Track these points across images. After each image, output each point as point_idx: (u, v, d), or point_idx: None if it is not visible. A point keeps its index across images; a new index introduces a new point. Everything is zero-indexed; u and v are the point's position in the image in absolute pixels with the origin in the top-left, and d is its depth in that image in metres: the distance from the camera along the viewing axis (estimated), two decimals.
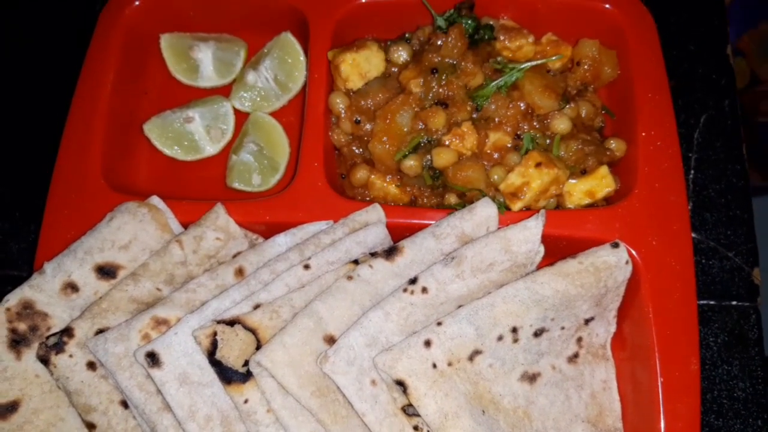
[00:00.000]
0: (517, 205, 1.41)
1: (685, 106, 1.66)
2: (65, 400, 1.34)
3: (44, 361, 1.31)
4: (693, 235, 1.57)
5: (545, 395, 1.37)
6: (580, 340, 1.42)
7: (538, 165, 1.39)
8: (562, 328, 1.39)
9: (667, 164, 1.46)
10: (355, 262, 1.37)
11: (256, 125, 1.60)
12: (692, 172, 1.64)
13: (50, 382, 1.34)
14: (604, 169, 1.45)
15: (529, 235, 1.34)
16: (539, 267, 1.39)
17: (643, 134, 1.48)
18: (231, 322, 1.27)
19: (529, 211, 1.43)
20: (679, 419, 1.31)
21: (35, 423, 1.31)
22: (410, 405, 1.26)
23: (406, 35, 1.60)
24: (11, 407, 1.30)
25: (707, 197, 1.62)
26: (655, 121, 1.48)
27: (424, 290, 1.32)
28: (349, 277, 1.34)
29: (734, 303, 1.54)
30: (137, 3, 1.63)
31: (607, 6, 1.56)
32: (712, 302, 1.55)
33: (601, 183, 1.46)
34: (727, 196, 1.61)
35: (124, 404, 1.31)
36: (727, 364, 1.50)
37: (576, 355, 1.42)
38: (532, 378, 1.37)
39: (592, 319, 1.41)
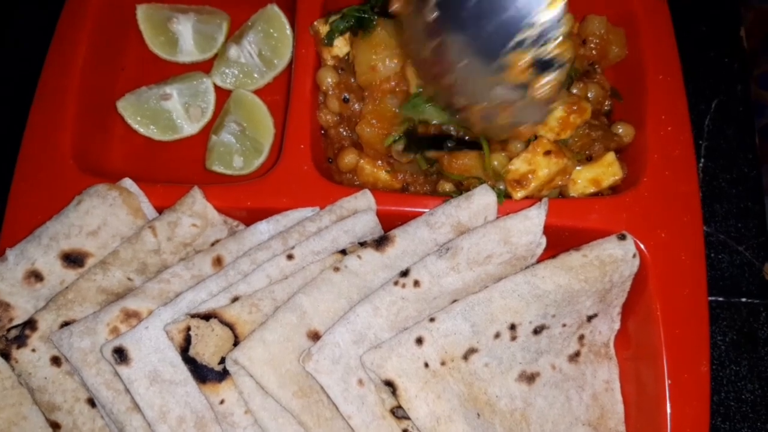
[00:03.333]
0: (519, 194, 1.31)
1: (695, 91, 1.56)
2: (28, 398, 1.24)
3: (5, 355, 1.21)
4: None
5: (544, 396, 1.29)
6: (582, 338, 1.33)
7: (547, 153, 1.29)
8: (564, 325, 1.30)
9: (679, 151, 1.36)
10: (343, 252, 1.28)
11: (239, 103, 1.50)
12: (702, 160, 1.54)
13: (12, 377, 1.24)
14: (610, 156, 1.36)
15: (530, 225, 1.24)
16: (540, 260, 1.30)
17: (653, 119, 1.38)
18: (206, 316, 1.18)
19: (530, 199, 1.33)
20: (687, 424, 1.22)
21: None
22: (400, 407, 1.17)
23: None
24: None
25: (717, 187, 1.53)
26: (666, 105, 1.39)
27: (417, 284, 1.23)
28: (336, 269, 1.24)
29: (744, 300, 1.46)
30: None
31: None
32: (720, 299, 1.46)
33: (608, 171, 1.36)
34: (739, 186, 1.52)
35: (91, 402, 1.22)
36: (735, 364, 1.42)
37: (577, 354, 1.33)
38: (530, 378, 1.28)
39: (595, 315, 1.33)
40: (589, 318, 1.32)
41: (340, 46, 1.40)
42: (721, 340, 1.44)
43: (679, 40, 1.46)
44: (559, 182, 1.34)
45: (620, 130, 1.38)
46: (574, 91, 1.38)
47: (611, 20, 1.48)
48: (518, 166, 1.30)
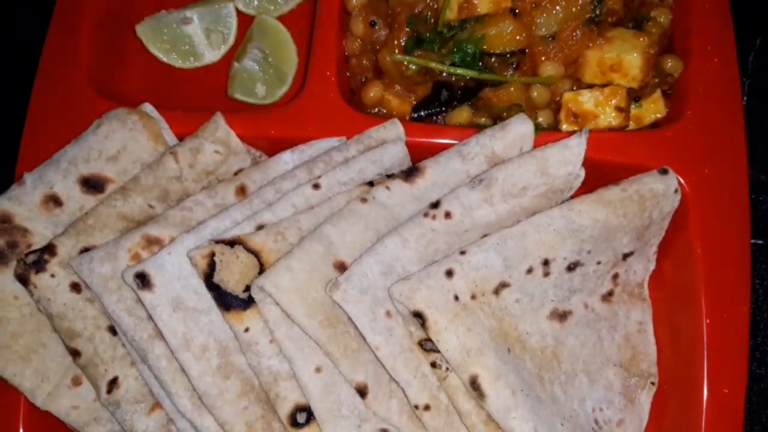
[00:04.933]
0: (569, 128, 1.25)
1: (739, 26, 1.47)
2: (47, 325, 1.22)
3: (23, 280, 1.18)
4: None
5: (575, 335, 1.25)
6: (616, 276, 1.29)
7: (618, 108, 1.22)
8: (598, 262, 1.25)
9: (724, 85, 1.29)
10: (370, 183, 1.23)
11: (262, 30, 1.43)
12: (745, 98, 1.47)
13: (30, 304, 1.22)
14: (657, 93, 1.29)
15: (569, 155, 1.19)
16: (576, 195, 1.25)
17: (699, 51, 1.30)
18: (231, 243, 1.14)
19: (566, 132, 1.27)
20: (725, 366, 1.18)
21: (14, 348, 1.20)
22: (428, 339, 1.13)
23: None
24: None
25: (761, 127, 1.46)
26: (713, 37, 1.31)
27: (448, 215, 1.18)
28: (363, 200, 1.19)
29: None
30: None
31: None
32: (759, 241, 1.41)
33: (650, 108, 1.30)
34: None
35: (112, 330, 1.19)
36: None
37: (611, 294, 1.29)
38: (562, 316, 1.24)
39: (631, 254, 1.28)
40: (625, 256, 1.28)
41: None
42: (759, 284, 1.40)
43: None
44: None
45: (669, 65, 1.30)
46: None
47: None
48: (585, 100, 1.23)
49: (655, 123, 1.33)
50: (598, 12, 1.24)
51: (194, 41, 1.42)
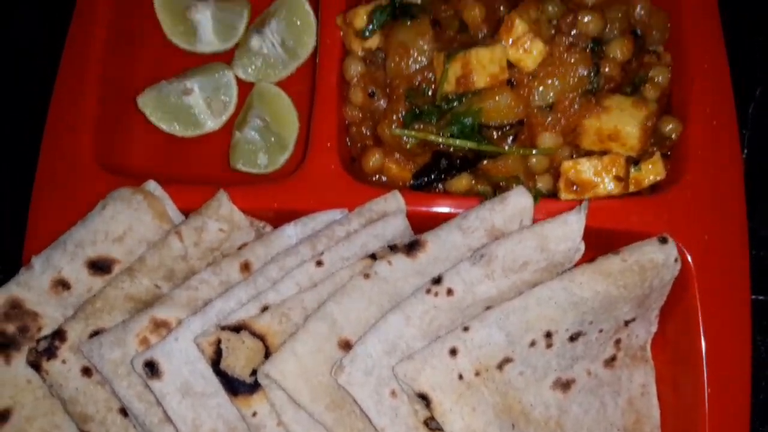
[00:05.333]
0: (568, 197, 1.25)
1: (739, 77, 1.46)
2: (60, 407, 1.24)
3: (35, 367, 1.21)
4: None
5: (579, 403, 1.26)
6: (618, 342, 1.30)
7: (618, 178, 1.22)
8: (600, 330, 1.26)
9: (724, 147, 1.29)
10: (373, 256, 1.24)
11: (262, 97, 1.44)
12: (745, 151, 1.47)
13: (43, 387, 1.24)
14: (657, 156, 1.29)
15: (568, 231, 1.19)
16: (578, 260, 1.26)
17: (698, 113, 1.31)
18: (237, 328, 1.16)
19: (565, 200, 1.28)
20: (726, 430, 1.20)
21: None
22: (433, 418, 1.15)
23: None
24: (2, 416, 1.21)
25: (761, 181, 1.46)
26: (711, 98, 1.31)
27: (450, 292, 1.19)
28: (366, 275, 1.21)
29: None
30: None
31: None
32: (761, 297, 1.42)
33: (649, 170, 1.30)
34: None
35: (124, 412, 1.22)
36: None
37: (613, 358, 1.30)
38: (565, 385, 1.26)
39: (633, 320, 1.29)
40: (627, 322, 1.29)
41: (372, 37, 1.33)
42: (761, 341, 1.40)
43: (724, 18, 1.37)
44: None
45: (668, 128, 1.30)
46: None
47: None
48: (584, 169, 1.24)
49: (654, 185, 1.34)
50: (595, 83, 1.24)
51: (195, 110, 1.43)
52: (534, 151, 1.26)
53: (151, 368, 1.14)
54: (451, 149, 1.29)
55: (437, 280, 1.20)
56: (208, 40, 1.47)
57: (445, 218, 1.28)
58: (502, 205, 1.24)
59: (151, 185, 1.31)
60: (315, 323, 1.17)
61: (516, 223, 1.25)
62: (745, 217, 1.27)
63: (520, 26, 1.20)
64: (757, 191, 1.45)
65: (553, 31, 1.24)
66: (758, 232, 1.44)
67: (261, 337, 1.16)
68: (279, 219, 1.33)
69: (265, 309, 1.19)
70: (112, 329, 1.21)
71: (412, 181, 1.35)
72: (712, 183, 1.28)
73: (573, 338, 1.24)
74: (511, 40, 1.23)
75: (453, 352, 1.16)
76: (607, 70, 1.27)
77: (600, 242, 1.30)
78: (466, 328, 1.18)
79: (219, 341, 1.14)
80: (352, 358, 1.14)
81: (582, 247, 1.23)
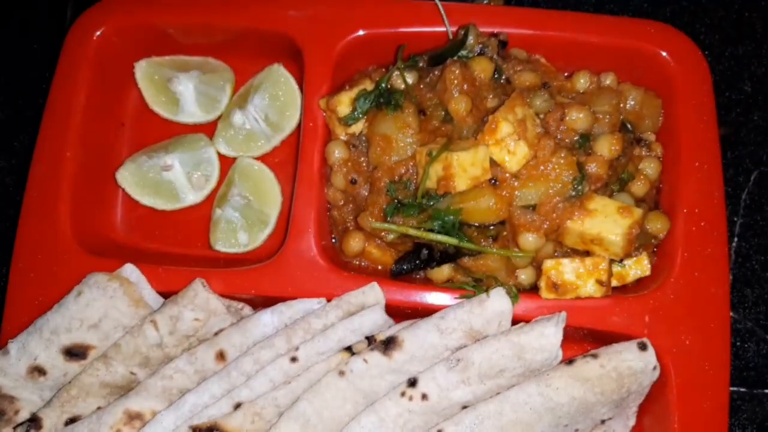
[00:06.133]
0: (549, 296, 1.23)
1: (734, 159, 1.43)
2: None
3: None
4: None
5: None
6: None
7: (599, 281, 1.20)
8: (576, 430, 1.26)
9: (711, 249, 1.27)
10: (349, 348, 1.23)
11: (244, 174, 1.42)
12: (735, 239, 1.44)
13: None
14: (643, 255, 1.27)
15: (546, 344, 1.18)
16: None
17: (686, 212, 1.28)
18: (209, 429, 1.16)
19: (545, 300, 1.26)
20: None
21: None
22: None
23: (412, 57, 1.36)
24: None
25: (750, 270, 1.43)
26: (701, 198, 1.28)
27: (425, 397, 1.19)
28: (341, 373, 1.20)
29: (767, 391, 1.39)
30: (105, 27, 1.40)
31: (663, 53, 1.31)
32: (742, 389, 1.40)
33: (634, 267, 1.28)
34: None
35: None
36: None
37: None
38: None
39: (610, 418, 1.28)
40: (603, 421, 1.28)
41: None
42: None
43: (719, 100, 1.33)
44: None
45: (657, 226, 1.27)
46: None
47: (645, 83, 1.36)
48: (566, 271, 1.22)
49: (639, 279, 1.31)
50: (580, 190, 1.21)
51: (176, 185, 1.41)
52: (514, 253, 1.24)
53: None
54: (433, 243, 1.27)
55: (413, 383, 1.20)
56: (191, 112, 1.44)
57: (425, 310, 1.27)
58: (481, 308, 1.22)
59: (128, 269, 1.30)
60: (287, 423, 1.18)
61: (495, 325, 1.23)
62: (729, 317, 1.25)
63: (504, 128, 1.17)
64: (743, 282, 1.43)
65: (539, 129, 1.21)
66: (743, 324, 1.42)
67: None
68: (257, 301, 1.32)
69: (238, 406, 1.19)
70: (86, 420, 1.21)
71: (393, 267, 1.33)
72: (696, 285, 1.26)
73: None
74: (494, 140, 1.20)
75: None
76: (594, 168, 1.24)
77: (579, 338, 1.29)
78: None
79: None
80: None
81: (560, 355, 1.21)
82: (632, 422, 1.32)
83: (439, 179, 1.20)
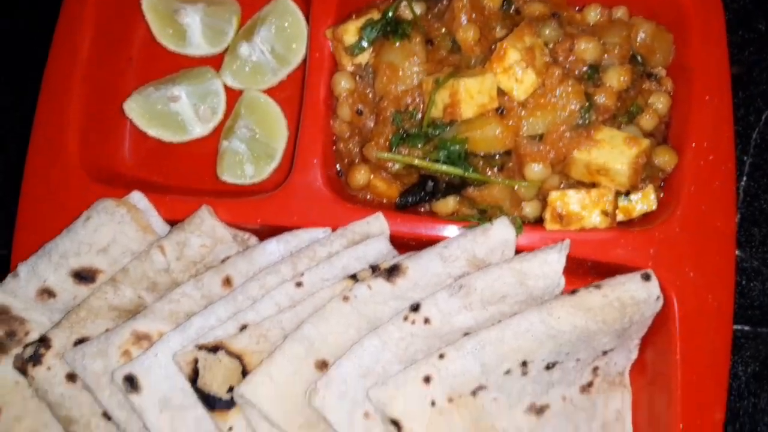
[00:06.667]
0: (553, 227, 1.24)
1: (745, 99, 1.41)
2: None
3: (22, 372, 1.24)
4: (736, 252, 1.39)
5: (552, 427, 1.28)
6: (596, 369, 1.31)
7: (604, 212, 1.20)
8: (578, 359, 1.27)
9: (718, 183, 1.26)
10: (353, 277, 1.25)
11: (250, 107, 1.42)
12: (744, 179, 1.43)
13: (31, 388, 1.28)
14: (649, 188, 1.26)
15: (548, 270, 1.18)
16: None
17: (695, 146, 1.27)
18: (214, 348, 1.18)
19: (550, 231, 1.26)
20: None
21: (17, 430, 1.27)
22: None
23: None
24: None
25: (757, 210, 1.42)
26: (711, 132, 1.27)
27: (427, 321, 1.20)
28: (345, 298, 1.22)
29: None
30: None
31: None
32: (746, 328, 1.41)
33: (640, 201, 1.27)
34: None
35: (107, 416, 1.25)
36: (754, 396, 1.39)
37: (590, 384, 1.31)
38: (539, 410, 1.27)
39: (612, 349, 1.29)
40: (605, 352, 1.29)
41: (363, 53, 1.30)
42: (743, 371, 1.40)
43: (732, 39, 1.31)
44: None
45: (664, 159, 1.26)
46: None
47: (657, 18, 1.33)
48: (572, 202, 1.22)
49: (645, 215, 1.31)
50: (587, 119, 1.20)
51: (183, 117, 1.42)
52: (520, 182, 1.24)
53: (131, 382, 1.17)
54: (438, 174, 1.27)
55: (415, 308, 1.21)
56: (198, 44, 1.44)
57: (429, 241, 1.28)
58: (485, 236, 1.23)
59: (136, 197, 1.32)
60: (292, 344, 1.19)
61: (498, 254, 1.24)
62: (734, 253, 1.25)
63: (512, 55, 1.16)
64: (751, 221, 1.42)
65: (547, 59, 1.20)
66: (750, 263, 1.42)
67: (238, 357, 1.18)
68: (263, 231, 1.34)
69: (243, 328, 1.21)
70: (95, 340, 1.23)
71: (398, 200, 1.34)
72: (703, 219, 1.26)
73: (549, 367, 1.24)
74: (502, 68, 1.19)
75: (427, 379, 1.17)
76: (602, 99, 1.23)
77: (584, 271, 1.29)
78: (441, 356, 1.19)
79: (196, 360, 1.17)
80: (327, 382, 1.16)
81: (562, 283, 1.22)
82: (634, 355, 1.33)
83: (445, 107, 1.19)
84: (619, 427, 1.33)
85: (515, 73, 1.17)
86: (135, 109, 1.40)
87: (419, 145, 1.24)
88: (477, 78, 1.16)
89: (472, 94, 1.17)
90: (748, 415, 1.39)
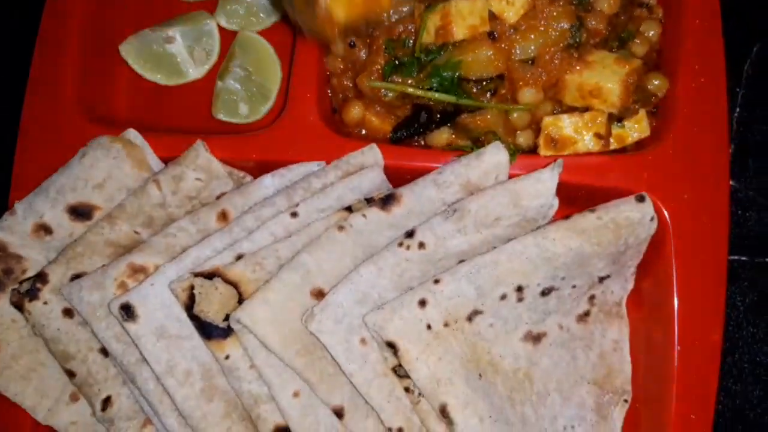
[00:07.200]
0: (547, 153, 1.24)
1: (735, 31, 1.41)
2: (44, 345, 1.28)
3: (18, 307, 1.25)
4: (731, 182, 1.39)
5: (549, 356, 1.28)
6: (592, 298, 1.31)
7: (597, 135, 1.20)
8: (574, 286, 1.27)
9: (710, 106, 1.26)
10: (348, 209, 1.25)
11: (244, 47, 1.43)
12: (737, 110, 1.43)
13: (28, 326, 1.28)
14: (642, 113, 1.27)
15: (541, 188, 1.19)
16: (555, 217, 1.25)
17: (686, 69, 1.27)
18: (210, 275, 1.18)
19: (544, 157, 1.26)
20: (694, 390, 1.21)
21: (15, 368, 1.28)
22: (401, 366, 1.17)
23: None
24: None
25: (752, 140, 1.43)
26: (701, 54, 1.27)
27: (421, 245, 1.20)
28: (341, 227, 1.22)
29: None
30: None
31: None
32: (743, 258, 1.40)
33: (633, 128, 1.28)
34: None
35: (104, 352, 1.26)
36: (752, 326, 1.38)
37: (587, 314, 1.31)
38: (536, 338, 1.27)
39: (607, 276, 1.29)
40: (601, 279, 1.29)
41: None
42: (741, 301, 1.40)
43: None
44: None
45: (655, 83, 1.27)
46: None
47: None
48: (565, 125, 1.22)
49: (639, 142, 1.31)
50: (577, 38, 1.21)
51: (178, 59, 1.43)
52: (513, 107, 1.24)
53: (127, 311, 1.17)
54: (431, 102, 1.28)
55: (410, 234, 1.21)
56: None
57: (423, 172, 1.28)
58: (478, 160, 1.23)
59: (131, 134, 1.33)
60: (288, 273, 1.19)
61: (491, 178, 1.24)
62: (728, 178, 1.25)
63: None
64: (746, 152, 1.43)
65: None
66: (745, 193, 1.42)
67: (234, 284, 1.18)
68: (258, 169, 1.34)
69: (239, 257, 1.21)
70: (92, 273, 1.24)
71: (392, 134, 1.34)
72: (695, 142, 1.26)
73: (545, 293, 1.24)
74: None
75: (422, 303, 1.17)
76: (593, 23, 1.24)
77: (578, 198, 1.29)
78: (436, 281, 1.19)
79: (192, 287, 1.17)
80: (323, 307, 1.16)
81: (555, 203, 1.22)
82: (630, 284, 1.33)
83: (437, 29, 1.20)
84: (617, 356, 1.32)
85: None
86: (131, 51, 1.42)
87: (413, 73, 1.24)
88: (468, 0, 1.17)
89: (463, 14, 1.17)
90: (747, 345, 1.39)
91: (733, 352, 1.38)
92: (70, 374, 1.25)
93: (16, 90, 1.38)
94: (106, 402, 1.25)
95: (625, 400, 1.31)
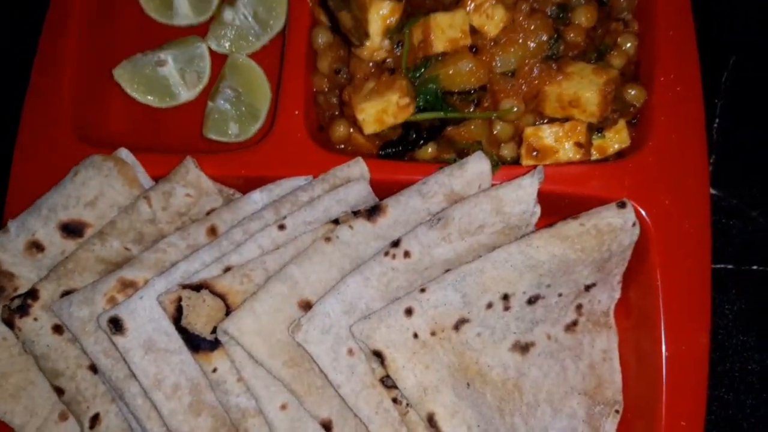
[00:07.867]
0: (529, 162, 1.26)
1: (713, 43, 1.44)
2: (35, 363, 1.29)
3: (9, 324, 1.26)
4: (713, 191, 1.42)
5: (538, 366, 1.27)
6: (579, 307, 1.31)
7: (578, 144, 1.23)
8: (560, 294, 1.27)
9: (687, 113, 1.29)
10: (335, 221, 1.27)
11: (234, 69, 1.47)
12: (717, 120, 1.46)
13: (18, 344, 1.29)
14: (621, 124, 1.30)
15: (523, 194, 1.20)
16: (538, 227, 1.27)
17: (662, 78, 1.30)
18: (197, 287, 1.19)
19: (526, 167, 1.29)
20: (684, 396, 1.20)
21: (4, 387, 1.28)
22: (389, 376, 1.17)
23: None
24: None
25: (732, 149, 1.45)
26: (677, 63, 1.31)
27: (407, 254, 1.21)
28: (327, 239, 1.23)
29: (755, 267, 1.40)
30: None
31: None
32: (729, 266, 1.41)
33: (614, 138, 1.31)
34: (755, 149, 1.43)
35: (93, 369, 1.26)
36: (742, 334, 1.38)
37: (575, 323, 1.31)
38: (524, 348, 1.27)
39: (593, 285, 1.29)
40: (587, 287, 1.29)
41: None
42: (729, 310, 1.40)
43: None
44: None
45: (632, 93, 1.30)
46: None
47: None
48: (546, 135, 1.25)
49: (619, 153, 1.34)
50: (555, 50, 1.24)
51: (170, 82, 1.47)
52: (495, 115, 1.27)
53: (115, 325, 1.18)
54: (419, 119, 1.31)
55: (395, 243, 1.22)
56: (184, 14, 1.50)
57: (409, 185, 1.30)
58: (461, 170, 1.26)
59: (123, 153, 1.36)
60: (275, 284, 1.20)
61: (474, 187, 1.26)
62: (708, 185, 1.27)
63: None
64: (727, 160, 1.45)
65: None
66: (728, 201, 1.43)
67: (222, 296, 1.19)
68: (248, 186, 1.36)
69: (227, 270, 1.23)
70: (82, 289, 1.25)
71: (380, 152, 1.37)
72: (675, 149, 1.28)
73: (531, 301, 1.25)
74: (473, 5, 1.24)
75: (408, 312, 1.18)
76: (571, 35, 1.28)
77: (561, 208, 1.31)
78: (423, 290, 1.20)
79: (180, 299, 1.18)
80: (310, 317, 1.17)
81: (538, 210, 1.24)
82: (617, 294, 1.33)
83: (418, 43, 1.24)
84: (606, 366, 1.32)
85: (486, 10, 1.22)
86: (124, 75, 1.46)
87: None
88: (448, 13, 1.21)
89: (443, 28, 1.21)
90: (738, 353, 1.38)
91: (725, 361, 1.38)
92: (59, 391, 1.25)
93: (12, 111, 1.42)
94: (95, 419, 1.24)
95: (617, 411, 1.30)
